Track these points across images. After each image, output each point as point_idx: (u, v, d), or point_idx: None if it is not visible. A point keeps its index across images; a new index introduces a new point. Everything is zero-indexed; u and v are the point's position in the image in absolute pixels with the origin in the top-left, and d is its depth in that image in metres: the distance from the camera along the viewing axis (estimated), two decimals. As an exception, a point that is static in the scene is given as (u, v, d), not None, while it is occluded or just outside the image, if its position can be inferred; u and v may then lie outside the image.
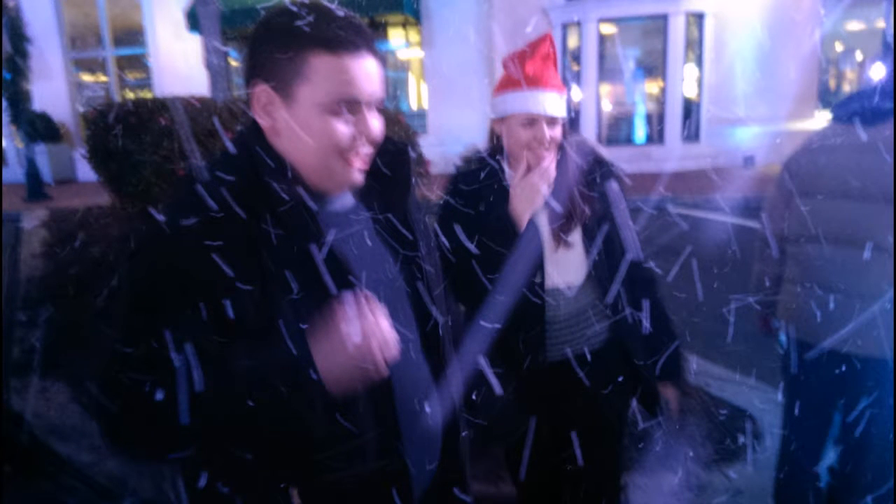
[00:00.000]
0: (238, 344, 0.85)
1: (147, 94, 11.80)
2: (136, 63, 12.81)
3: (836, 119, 1.91)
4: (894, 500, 1.80)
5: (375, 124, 0.97)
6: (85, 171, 8.83)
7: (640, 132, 11.05)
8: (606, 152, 1.76)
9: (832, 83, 10.98)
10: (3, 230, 3.61)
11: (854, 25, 10.74)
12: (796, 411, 1.95)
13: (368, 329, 0.85)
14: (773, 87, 10.01)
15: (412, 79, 12.61)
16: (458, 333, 1.23)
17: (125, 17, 12.44)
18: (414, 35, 11.88)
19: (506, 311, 1.35)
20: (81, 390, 3.04)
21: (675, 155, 10.36)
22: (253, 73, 0.95)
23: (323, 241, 0.91)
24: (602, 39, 10.61)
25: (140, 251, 0.90)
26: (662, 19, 10.24)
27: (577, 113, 10.67)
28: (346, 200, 1.06)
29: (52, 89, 12.18)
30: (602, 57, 10.68)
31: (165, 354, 0.81)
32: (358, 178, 0.99)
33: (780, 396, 2.09)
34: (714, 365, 3.42)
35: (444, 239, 1.50)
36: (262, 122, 0.96)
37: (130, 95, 12.64)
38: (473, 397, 1.19)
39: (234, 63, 10.86)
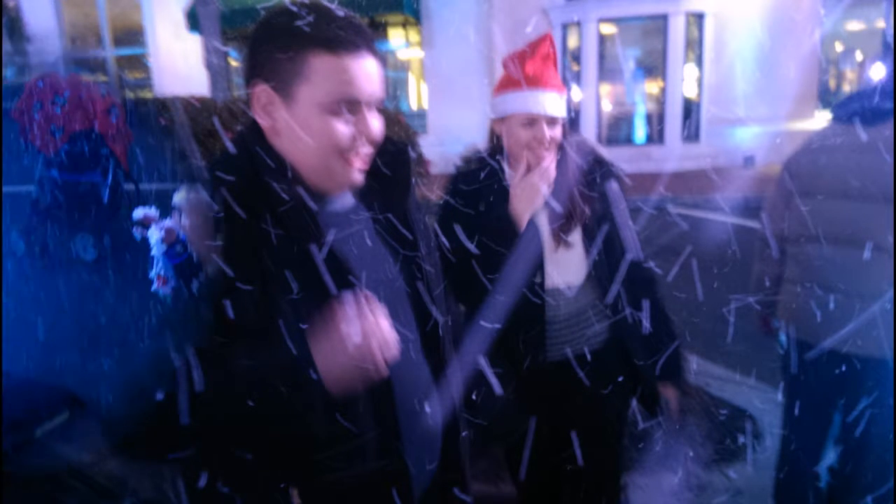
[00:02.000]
0: (238, 344, 0.85)
1: (147, 94, 11.80)
2: (136, 63, 12.81)
3: (836, 119, 1.91)
4: (894, 500, 1.80)
5: (375, 124, 0.97)
6: (85, 171, 8.81)
7: (640, 132, 11.05)
8: (606, 152, 1.75)
9: (832, 83, 10.98)
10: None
11: (854, 25, 10.75)
12: (796, 411, 1.95)
13: (368, 329, 0.85)
14: (773, 87, 10.01)
15: (412, 79, 12.61)
16: (458, 333, 1.23)
17: (125, 17, 12.44)
18: (414, 35, 11.88)
19: (506, 311, 1.35)
20: (81, 390, 3.03)
21: (675, 155, 10.36)
22: (253, 73, 0.95)
23: (323, 241, 0.91)
24: (602, 39, 10.61)
25: (140, 251, 0.90)
26: (662, 19, 10.24)
27: (577, 113, 10.67)
28: (346, 200, 1.06)
29: (52, 89, 12.17)
30: (602, 57, 10.68)
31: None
32: (358, 178, 0.99)
33: (780, 396, 2.09)
34: (714, 365, 3.42)
35: (444, 239, 1.49)
36: (262, 122, 0.96)
37: (130, 95, 12.63)
38: (473, 397, 1.19)
39: (234, 63, 10.86)
